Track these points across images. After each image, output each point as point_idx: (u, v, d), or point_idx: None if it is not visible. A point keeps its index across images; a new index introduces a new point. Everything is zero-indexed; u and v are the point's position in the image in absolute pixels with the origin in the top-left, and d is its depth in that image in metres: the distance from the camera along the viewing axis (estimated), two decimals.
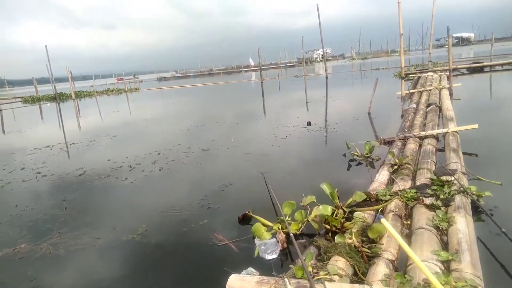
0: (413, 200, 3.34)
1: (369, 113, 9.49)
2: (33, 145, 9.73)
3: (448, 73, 13.20)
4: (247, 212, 3.84)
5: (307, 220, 3.31)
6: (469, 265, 2.21)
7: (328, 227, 3.04)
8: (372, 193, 3.57)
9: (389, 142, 6.05)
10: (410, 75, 18.44)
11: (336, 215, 3.13)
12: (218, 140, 8.28)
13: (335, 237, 2.77)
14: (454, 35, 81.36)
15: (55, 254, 3.54)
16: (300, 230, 3.32)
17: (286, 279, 2.23)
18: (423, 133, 5.93)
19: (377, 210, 3.33)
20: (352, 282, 2.35)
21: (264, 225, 3.45)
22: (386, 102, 11.48)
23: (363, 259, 2.54)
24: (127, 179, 5.82)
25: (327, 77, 26.84)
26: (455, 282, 2.04)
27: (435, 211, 3.01)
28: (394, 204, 3.30)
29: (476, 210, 3.26)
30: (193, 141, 8.33)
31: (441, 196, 3.27)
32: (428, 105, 8.69)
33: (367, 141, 5.79)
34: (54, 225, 4.25)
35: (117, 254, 3.49)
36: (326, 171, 5.42)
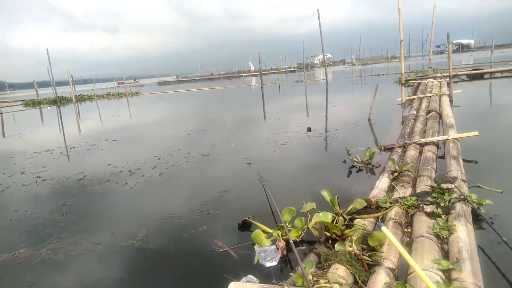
0: (413, 207, 3.34)
1: (369, 119, 9.51)
2: (33, 149, 9.74)
3: (448, 79, 13.24)
4: (247, 218, 3.83)
5: (307, 227, 3.31)
6: (470, 274, 2.20)
7: (328, 234, 3.04)
8: (372, 200, 3.56)
9: (390, 149, 6.05)
10: (410, 81, 18.49)
11: (336, 222, 3.12)
12: (218, 145, 8.28)
13: (336, 245, 2.77)
14: (454, 41, 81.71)
15: (55, 259, 3.53)
16: (300, 237, 3.32)
17: (286, 287, 2.22)
18: (423, 140, 5.93)
19: (378, 217, 3.32)
20: None
21: (264, 231, 3.44)
22: (386, 108, 11.49)
23: (364, 267, 2.53)
24: (127, 184, 5.82)
25: (327, 83, 26.91)
26: None
27: (435, 219, 3.00)
28: (394, 212, 3.30)
29: (477, 218, 3.25)
30: (193, 146, 8.33)
31: (442, 204, 3.26)
32: (428, 112, 8.70)
33: (368, 148, 5.80)
34: (54, 230, 4.24)
35: (116, 260, 3.47)
36: (326, 178, 5.42)
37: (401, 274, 2.50)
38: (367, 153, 5.66)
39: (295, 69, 73.00)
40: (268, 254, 3.06)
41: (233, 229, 3.80)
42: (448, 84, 12.96)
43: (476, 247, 2.61)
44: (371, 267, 2.54)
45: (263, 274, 2.85)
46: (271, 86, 31.12)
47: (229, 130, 10.56)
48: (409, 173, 4.45)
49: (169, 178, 6.03)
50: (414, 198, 3.49)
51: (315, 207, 3.44)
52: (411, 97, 12.34)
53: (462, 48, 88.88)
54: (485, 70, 20.32)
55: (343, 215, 3.27)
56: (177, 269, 3.23)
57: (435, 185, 3.76)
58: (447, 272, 2.31)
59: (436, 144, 5.86)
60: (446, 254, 2.57)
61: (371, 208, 3.45)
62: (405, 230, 3.11)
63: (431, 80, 17.18)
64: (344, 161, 5.93)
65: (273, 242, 3.25)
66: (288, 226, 3.37)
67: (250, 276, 2.64)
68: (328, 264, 2.57)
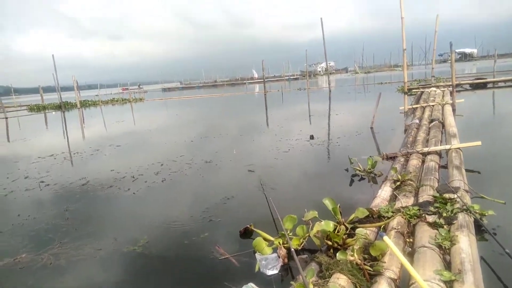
0: (415, 217, 3.33)
1: (371, 128, 9.51)
2: (37, 154, 9.79)
3: (451, 88, 13.24)
4: (248, 226, 3.83)
5: (309, 236, 3.31)
6: (472, 286, 2.19)
7: (330, 243, 3.03)
8: (374, 209, 3.56)
9: (392, 158, 6.04)
10: (413, 90, 18.50)
11: (338, 231, 3.12)
12: (221, 152, 8.30)
13: (337, 254, 2.76)
14: (457, 50, 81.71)
15: (56, 265, 3.54)
16: (302, 245, 3.32)
17: None
18: (426, 149, 5.93)
19: (380, 227, 3.31)
20: None
21: (265, 239, 3.44)
22: (389, 117, 11.50)
23: (365, 277, 2.53)
24: (130, 190, 5.84)
25: (330, 91, 26.96)
26: None
27: (437, 229, 3.00)
28: (396, 221, 3.29)
29: (479, 229, 3.23)
30: (196, 153, 8.35)
31: (444, 214, 3.26)
32: (431, 121, 8.70)
33: (370, 156, 5.80)
34: (56, 235, 4.25)
35: (118, 266, 3.48)
36: (328, 186, 5.42)
37: (403, 284, 2.49)
38: (370, 161, 5.66)
39: (298, 76, 73.25)
40: (269, 262, 3.06)
41: (235, 237, 3.80)
42: (451, 93, 12.96)
43: (479, 259, 2.60)
44: (372, 277, 2.53)
45: (264, 282, 2.85)
46: (274, 93, 31.22)
47: (232, 137, 10.58)
48: (411, 182, 4.44)
49: (171, 184, 6.05)
50: (416, 207, 3.48)
51: (317, 216, 3.44)
52: (414, 106, 12.35)
53: (465, 57, 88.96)
54: (488, 80, 20.30)
55: (345, 224, 3.27)
56: (178, 275, 3.23)
57: (437, 195, 3.76)
58: (449, 283, 2.30)
59: (439, 153, 5.85)
60: (448, 265, 2.56)
61: (373, 217, 3.45)
62: (407, 240, 3.11)
63: (434, 89, 17.19)
64: (347, 170, 5.93)
65: (274, 250, 3.24)
66: (290, 234, 3.37)
67: (251, 284, 2.64)
68: (329, 273, 2.56)
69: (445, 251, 2.72)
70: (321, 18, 26.59)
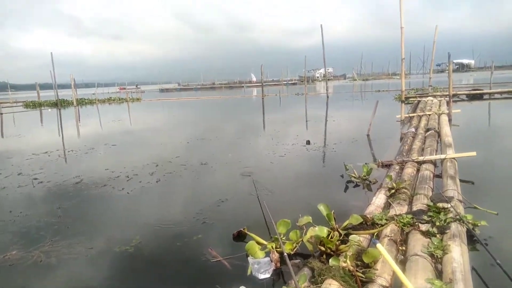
0: (409, 225, 3.34)
1: (368, 135, 9.54)
2: (32, 150, 9.73)
3: (447, 98, 13.34)
4: (242, 229, 3.82)
5: (302, 241, 3.30)
6: None
7: (323, 249, 3.03)
8: (368, 216, 3.56)
9: (387, 165, 6.07)
10: (410, 99, 18.61)
11: (331, 237, 3.12)
12: (217, 154, 8.29)
13: (330, 260, 2.76)
14: (454, 61, 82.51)
15: (47, 262, 3.51)
16: (294, 250, 3.31)
17: None
18: (421, 158, 5.95)
19: (373, 234, 3.32)
20: None
21: (258, 243, 3.43)
22: (385, 125, 11.56)
23: (357, 283, 2.53)
24: (124, 190, 5.81)
25: (328, 97, 27.06)
26: None
27: (430, 238, 3.00)
28: (390, 229, 3.30)
29: (472, 239, 3.25)
30: (192, 154, 8.34)
31: (437, 223, 3.27)
32: (427, 130, 8.75)
33: (365, 163, 5.81)
34: (48, 232, 4.21)
35: (109, 265, 3.45)
36: (323, 191, 5.42)
37: None
38: (365, 168, 5.67)
39: (296, 81, 73.46)
40: (261, 266, 3.05)
41: (228, 239, 3.79)
42: (448, 103, 13.06)
43: (470, 269, 2.61)
44: (364, 284, 2.53)
45: (256, 286, 2.84)
46: (272, 97, 31.27)
47: (228, 139, 10.58)
48: (406, 190, 4.46)
49: (166, 185, 6.03)
50: (410, 216, 3.49)
51: (311, 221, 3.44)
52: (411, 115, 12.42)
53: (463, 68, 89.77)
54: (484, 91, 20.49)
55: (339, 230, 3.27)
56: (169, 277, 3.21)
57: (431, 204, 3.77)
58: None
59: (434, 162, 5.88)
60: (439, 274, 2.57)
61: (367, 224, 3.45)
62: (400, 248, 3.11)
63: (430, 98, 17.31)
64: (342, 176, 5.94)
65: (267, 254, 3.24)
66: (283, 238, 3.37)
67: (243, 287, 2.63)
68: (321, 279, 2.56)
69: (437, 260, 2.73)
70: (321, 25, 26.76)
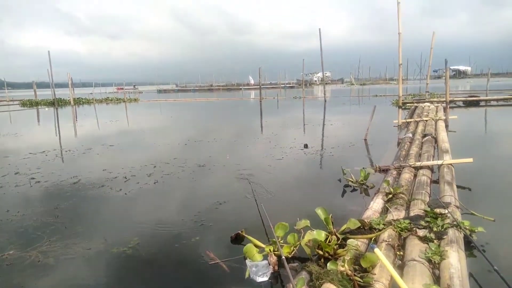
0: (406, 230, 3.36)
1: (365, 140, 9.58)
2: (28, 150, 9.69)
3: (444, 104, 13.42)
4: (240, 231, 3.83)
5: (300, 244, 3.31)
6: None
7: (321, 252, 3.05)
8: (366, 221, 3.58)
9: (385, 170, 6.09)
10: (407, 104, 18.70)
11: (329, 241, 3.14)
12: (214, 156, 8.30)
13: (328, 264, 2.77)
14: (451, 67, 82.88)
15: (44, 262, 3.50)
16: (292, 253, 3.32)
17: None
18: (418, 164, 5.99)
19: (371, 239, 3.33)
20: None
21: (256, 246, 3.44)
22: (383, 130, 11.61)
23: None
24: (122, 190, 5.80)
25: (325, 101, 27.14)
26: None
27: (428, 244, 3.03)
28: (387, 234, 3.32)
29: (469, 245, 3.27)
30: (189, 156, 8.33)
31: (434, 229, 3.29)
32: (424, 136, 8.80)
33: (363, 168, 5.84)
34: (45, 232, 4.20)
35: (107, 266, 3.45)
36: (321, 195, 5.44)
37: None
38: (362, 173, 5.70)
39: (294, 85, 73.62)
40: (259, 269, 3.06)
41: (226, 242, 3.80)
42: (445, 109, 13.14)
43: (467, 274, 2.63)
44: None
45: None
46: (269, 100, 31.33)
47: (226, 142, 10.58)
48: (403, 195, 4.48)
49: (164, 186, 6.02)
50: (407, 221, 3.51)
51: (309, 225, 3.45)
52: (408, 120, 12.49)
53: (459, 74, 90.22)
54: (481, 98, 20.63)
55: (337, 234, 3.28)
56: (167, 279, 3.21)
57: (428, 209, 3.80)
58: None
59: (431, 168, 5.92)
60: (437, 279, 2.59)
61: (365, 229, 3.47)
62: (398, 253, 3.13)
63: (427, 104, 17.40)
64: (339, 180, 5.96)
65: (265, 257, 3.24)
66: (281, 241, 3.37)
67: None
68: (319, 283, 2.57)
69: (435, 266, 2.75)
70: (319, 29, 26.86)
